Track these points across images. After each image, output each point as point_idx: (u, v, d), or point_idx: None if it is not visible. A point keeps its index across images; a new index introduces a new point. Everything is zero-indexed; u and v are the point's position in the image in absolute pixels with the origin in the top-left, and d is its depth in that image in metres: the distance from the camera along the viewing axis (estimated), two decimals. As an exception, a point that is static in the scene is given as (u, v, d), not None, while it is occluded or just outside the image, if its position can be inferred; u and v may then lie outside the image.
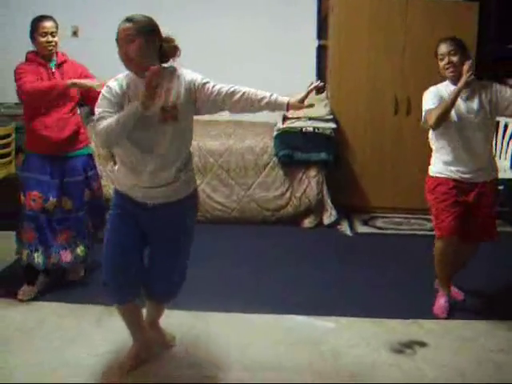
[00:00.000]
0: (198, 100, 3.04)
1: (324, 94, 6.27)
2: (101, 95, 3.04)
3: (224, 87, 3.04)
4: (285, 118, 5.83)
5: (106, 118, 2.93)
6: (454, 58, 3.83)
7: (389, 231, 5.68)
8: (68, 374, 3.26)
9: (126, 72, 3.04)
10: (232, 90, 3.04)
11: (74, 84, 3.99)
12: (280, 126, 5.80)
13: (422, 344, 3.62)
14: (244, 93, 3.04)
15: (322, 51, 6.54)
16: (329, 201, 5.75)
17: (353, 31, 5.85)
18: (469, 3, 5.72)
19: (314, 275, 4.61)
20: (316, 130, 5.70)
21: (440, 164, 3.97)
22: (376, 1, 5.76)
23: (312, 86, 3.06)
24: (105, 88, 3.04)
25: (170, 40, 3.06)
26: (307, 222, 5.77)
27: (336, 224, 5.75)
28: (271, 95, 3.04)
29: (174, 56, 3.08)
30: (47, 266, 4.15)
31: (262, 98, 3.03)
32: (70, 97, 4.09)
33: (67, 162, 4.14)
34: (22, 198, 4.11)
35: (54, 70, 4.07)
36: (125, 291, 3.23)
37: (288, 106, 3.05)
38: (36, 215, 4.05)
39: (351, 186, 6.03)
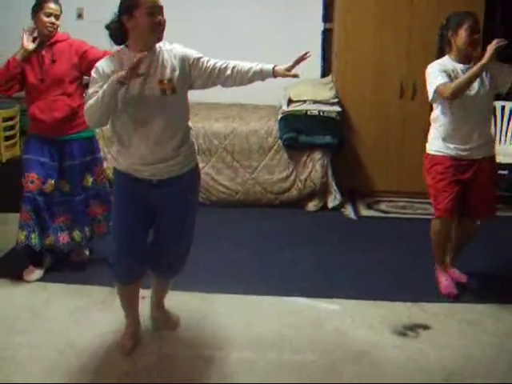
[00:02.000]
0: (193, 75, 3.07)
1: (329, 77, 6.26)
2: (91, 76, 3.03)
3: (217, 62, 3.10)
4: (290, 101, 5.81)
5: (92, 98, 2.92)
6: (477, 36, 3.80)
7: (393, 215, 5.68)
8: (72, 354, 3.29)
9: (114, 51, 3.06)
10: (225, 65, 3.10)
11: (25, 50, 3.94)
12: (285, 108, 5.79)
13: (426, 327, 3.63)
14: (234, 66, 3.12)
15: (327, 34, 6.50)
16: (333, 184, 5.75)
17: (358, 14, 5.81)
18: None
19: (317, 258, 4.62)
20: (321, 114, 5.69)
21: (438, 140, 3.97)
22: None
23: (300, 56, 3.14)
24: (93, 69, 3.02)
25: None
26: (311, 206, 5.77)
27: (340, 207, 5.75)
28: (257, 65, 3.14)
29: None
30: (43, 246, 4.15)
31: (250, 69, 3.13)
32: (60, 78, 4.02)
33: (65, 145, 4.13)
34: (23, 180, 4.10)
35: (43, 53, 4.02)
36: (131, 272, 3.27)
37: (274, 73, 3.16)
38: (33, 197, 4.05)
39: (356, 169, 6.03)
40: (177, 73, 3.01)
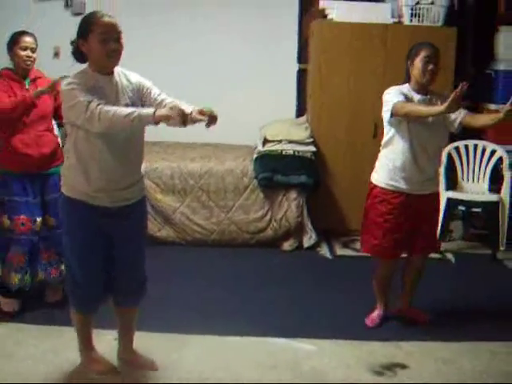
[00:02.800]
0: (144, 103, 3.09)
1: (304, 117, 6.31)
2: (70, 90, 2.92)
3: (164, 97, 3.15)
4: (265, 141, 5.84)
5: (97, 102, 2.85)
6: (433, 67, 3.81)
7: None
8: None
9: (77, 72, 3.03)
10: (169, 100, 3.13)
11: (41, 92, 3.94)
12: (260, 148, 5.82)
13: (403, 366, 3.62)
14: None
15: (302, 74, 6.57)
16: (309, 224, 5.75)
17: (333, 55, 5.89)
18: (447, 28, 5.79)
19: (293, 298, 4.59)
20: (296, 153, 5.72)
21: (388, 170, 3.92)
22: (356, 26, 5.80)
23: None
24: (70, 85, 2.94)
25: None
26: (287, 245, 5.76)
27: (316, 247, 5.75)
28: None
29: None
30: (34, 284, 4.18)
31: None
32: (45, 114, 4.07)
33: (47, 180, 4.11)
34: (7, 221, 4.05)
35: (28, 87, 4.05)
36: (87, 300, 3.27)
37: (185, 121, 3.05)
38: (29, 239, 4.06)
39: (331, 208, 6.04)
40: (134, 98, 3.07)
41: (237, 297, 4.58)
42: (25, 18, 6.13)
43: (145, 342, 3.77)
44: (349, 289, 4.73)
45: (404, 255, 4.16)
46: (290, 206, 5.73)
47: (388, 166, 3.93)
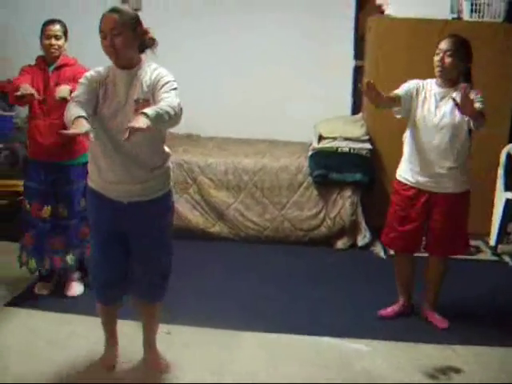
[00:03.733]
0: (155, 99, 3.01)
1: (360, 115, 6.24)
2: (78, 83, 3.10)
3: (163, 97, 2.96)
4: (320, 138, 5.80)
5: (76, 99, 2.96)
6: (448, 60, 3.81)
7: (424, 254, 5.57)
8: None
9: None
10: (161, 103, 2.93)
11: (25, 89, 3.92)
12: (315, 145, 5.77)
13: (457, 370, 3.55)
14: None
15: (358, 72, 6.50)
16: (363, 222, 5.68)
17: (389, 52, 5.80)
18: (508, 25, 5.64)
19: (346, 297, 4.55)
20: (352, 151, 5.66)
21: (404, 163, 4.03)
22: (414, 21, 5.70)
23: None
24: (82, 77, 3.08)
25: (147, 32, 3.11)
26: (340, 244, 5.71)
27: (370, 246, 5.67)
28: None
29: (152, 47, 3.15)
30: (41, 271, 4.37)
31: None
32: (62, 103, 3.97)
33: (62, 171, 4.18)
34: (27, 205, 4.24)
35: (50, 74, 4.12)
36: (108, 290, 3.32)
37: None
38: (37, 223, 4.21)
39: (386, 207, 5.91)
40: (150, 94, 3.02)
41: (289, 294, 4.56)
42: (82, 15, 6.24)
43: (197, 338, 3.80)
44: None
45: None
46: (345, 203, 5.67)
47: (403, 157, 4.04)
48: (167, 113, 2.81)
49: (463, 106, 3.48)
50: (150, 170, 3.11)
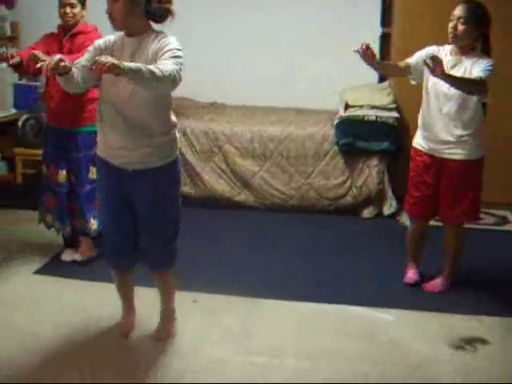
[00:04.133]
0: None
1: (387, 83, 6.16)
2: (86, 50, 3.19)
3: (162, 59, 2.92)
4: (347, 106, 5.74)
5: (79, 63, 3.06)
6: (460, 27, 3.79)
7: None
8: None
9: None
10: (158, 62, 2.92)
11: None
12: (342, 113, 5.72)
13: (484, 341, 3.52)
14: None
15: (385, 39, 6.40)
16: (389, 191, 5.64)
17: (417, 18, 5.69)
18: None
19: (372, 266, 4.55)
20: (378, 119, 5.60)
21: (419, 130, 4.10)
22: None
23: None
24: (91, 44, 3.17)
25: (162, 1, 3.04)
26: (366, 213, 5.69)
27: (396, 215, 5.64)
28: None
29: (164, 19, 3.08)
30: (64, 236, 4.52)
31: None
32: None
33: (71, 138, 4.23)
34: (45, 169, 4.36)
35: (64, 42, 4.17)
36: (119, 257, 3.36)
37: None
38: (54, 187, 4.33)
39: (413, 176, 5.91)
40: (152, 62, 2.96)
41: (314, 264, 4.57)
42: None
43: (223, 306, 3.83)
44: (429, 259, 4.61)
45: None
46: (371, 172, 5.64)
47: (418, 124, 4.10)
48: (151, 72, 2.74)
49: (432, 69, 3.48)
50: (150, 137, 3.08)
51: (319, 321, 3.74)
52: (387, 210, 5.65)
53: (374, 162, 5.63)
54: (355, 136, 5.55)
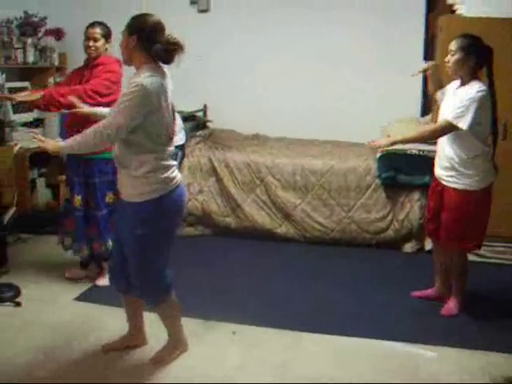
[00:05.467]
0: None
1: (429, 117, 6.14)
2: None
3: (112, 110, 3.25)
4: (389, 140, 5.73)
5: None
6: (451, 59, 3.99)
7: (491, 260, 5.45)
8: None
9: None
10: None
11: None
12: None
13: (527, 380, 3.45)
14: None
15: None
16: (431, 226, 5.59)
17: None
18: None
19: (412, 301, 4.48)
20: (421, 153, 5.56)
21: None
22: (486, 21, 5.54)
23: None
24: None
25: (168, 43, 3.17)
26: (408, 247, 5.64)
27: (438, 250, 5.58)
28: None
29: (167, 60, 3.20)
30: (81, 257, 4.67)
31: None
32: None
33: (88, 164, 4.38)
34: (67, 192, 4.58)
35: (85, 73, 4.39)
36: (116, 280, 3.52)
37: None
38: (74, 211, 4.49)
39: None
40: None
41: (355, 297, 4.54)
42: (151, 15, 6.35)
43: (262, 338, 3.82)
44: (469, 296, 4.55)
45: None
46: (413, 206, 5.61)
47: None
48: (81, 144, 3.21)
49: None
50: (128, 176, 3.24)
51: (358, 356, 3.71)
52: (428, 244, 5.57)
53: (416, 196, 5.59)
54: (397, 170, 5.53)
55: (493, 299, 4.56)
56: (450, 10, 5.81)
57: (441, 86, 4.29)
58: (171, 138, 3.32)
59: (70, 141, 3.26)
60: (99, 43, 4.36)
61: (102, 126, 3.12)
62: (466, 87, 3.96)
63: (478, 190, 4.02)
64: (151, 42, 3.15)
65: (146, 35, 3.16)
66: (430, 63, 4.42)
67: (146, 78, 3.10)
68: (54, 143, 3.35)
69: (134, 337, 3.71)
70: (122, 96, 3.17)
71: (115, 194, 4.35)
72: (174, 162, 3.37)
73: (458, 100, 3.92)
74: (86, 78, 4.33)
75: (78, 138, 3.20)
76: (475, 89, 3.89)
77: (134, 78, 3.14)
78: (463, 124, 3.86)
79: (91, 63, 4.39)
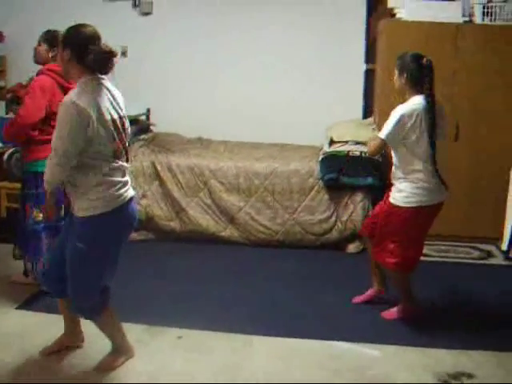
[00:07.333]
0: None
1: (371, 119, 6.23)
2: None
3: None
4: (332, 142, 5.78)
5: None
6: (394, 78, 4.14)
7: (434, 258, 5.55)
8: None
9: None
10: None
11: None
12: (326, 149, 5.76)
13: (470, 375, 3.50)
14: None
15: (369, 75, 6.49)
16: (374, 226, 5.66)
17: (401, 55, 5.77)
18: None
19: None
20: (363, 155, 5.63)
21: None
22: (426, 25, 5.67)
23: None
24: None
25: (100, 52, 3.12)
26: (352, 247, 5.69)
27: (381, 250, 5.65)
28: None
29: (103, 70, 3.17)
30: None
31: None
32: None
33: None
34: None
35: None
36: (50, 284, 3.50)
37: None
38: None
39: (397, 211, 5.93)
40: None
41: (301, 299, 4.55)
42: (93, 18, 6.27)
43: (208, 342, 3.80)
44: (415, 294, 4.63)
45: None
46: (356, 207, 5.66)
47: None
48: (47, 182, 3.21)
49: None
50: (74, 192, 3.21)
51: (306, 356, 3.72)
52: (372, 244, 5.65)
53: (359, 197, 5.65)
54: (340, 171, 5.58)
55: (437, 295, 4.63)
56: (391, 13, 5.91)
57: None
58: (117, 153, 3.20)
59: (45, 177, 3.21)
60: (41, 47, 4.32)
61: (49, 158, 3.11)
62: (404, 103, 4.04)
63: (403, 207, 4.01)
64: (85, 54, 3.09)
65: (78, 47, 3.10)
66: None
67: (74, 95, 3.05)
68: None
69: (71, 336, 3.66)
70: (57, 118, 3.08)
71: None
72: (122, 179, 3.24)
73: (391, 114, 4.01)
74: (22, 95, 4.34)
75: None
76: (404, 105, 3.99)
77: (65, 98, 3.09)
78: (382, 135, 3.97)
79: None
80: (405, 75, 4.03)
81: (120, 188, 3.21)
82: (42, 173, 3.26)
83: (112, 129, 3.15)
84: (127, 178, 3.30)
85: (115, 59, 3.16)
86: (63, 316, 3.63)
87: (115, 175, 3.20)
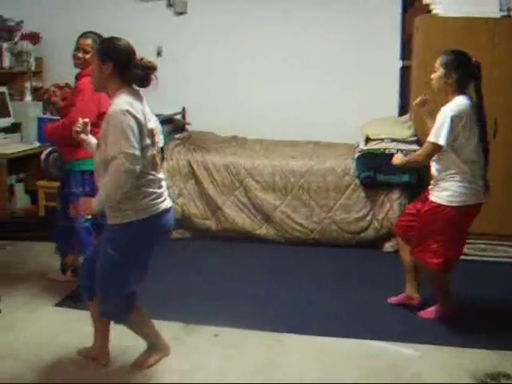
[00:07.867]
0: None
1: (407, 116, 6.17)
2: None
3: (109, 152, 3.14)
4: (367, 140, 5.75)
5: None
6: (435, 75, 4.10)
7: (473, 257, 5.49)
8: None
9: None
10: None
11: None
12: (362, 147, 5.73)
13: (508, 376, 3.47)
14: None
15: (405, 72, 6.43)
16: (411, 224, 5.62)
17: (438, 52, 5.69)
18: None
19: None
20: (399, 152, 5.58)
21: None
22: (463, 20, 5.61)
23: None
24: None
25: (143, 67, 3.15)
26: (388, 246, 5.66)
27: (418, 248, 5.60)
28: None
29: (144, 84, 3.18)
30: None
31: None
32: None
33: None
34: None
35: (74, 85, 4.42)
36: (86, 289, 3.46)
37: None
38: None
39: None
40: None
41: (336, 298, 4.55)
42: (129, 18, 6.38)
43: (245, 340, 3.81)
44: (452, 293, 4.57)
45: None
46: (392, 205, 5.63)
47: None
48: (107, 195, 3.09)
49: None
50: None
51: (341, 356, 3.71)
52: (409, 243, 5.60)
53: (396, 195, 5.61)
54: (376, 169, 5.55)
55: (475, 295, 4.58)
56: (426, 9, 5.85)
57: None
58: (155, 165, 3.23)
59: (98, 197, 3.12)
60: (88, 55, 4.18)
61: (113, 169, 3.03)
62: (448, 104, 3.95)
63: (448, 206, 3.96)
64: (127, 69, 3.12)
65: (121, 62, 3.12)
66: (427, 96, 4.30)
67: (124, 104, 3.06)
68: (89, 205, 3.18)
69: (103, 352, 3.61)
70: (110, 129, 3.05)
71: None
72: (158, 190, 3.23)
73: (438, 118, 3.93)
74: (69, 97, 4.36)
75: (101, 191, 3.12)
76: (451, 106, 3.91)
77: (115, 107, 3.08)
78: (442, 141, 3.85)
79: (78, 75, 4.32)
80: (453, 75, 3.96)
81: (154, 199, 3.20)
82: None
83: (151, 140, 3.19)
84: (163, 189, 3.29)
85: (155, 73, 3.18)
86: (95, 324, 3.57)
87: (151, 186, 3.20)
